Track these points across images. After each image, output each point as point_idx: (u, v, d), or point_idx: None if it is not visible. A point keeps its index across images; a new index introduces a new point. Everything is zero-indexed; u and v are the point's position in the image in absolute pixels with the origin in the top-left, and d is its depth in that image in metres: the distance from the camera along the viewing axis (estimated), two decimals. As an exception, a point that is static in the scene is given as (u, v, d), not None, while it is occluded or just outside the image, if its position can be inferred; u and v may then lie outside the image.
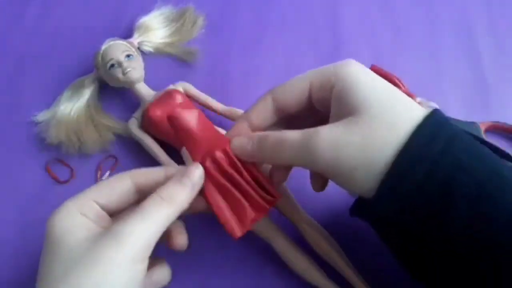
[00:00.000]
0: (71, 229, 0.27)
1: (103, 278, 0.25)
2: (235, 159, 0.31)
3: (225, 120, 0.43)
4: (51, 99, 0.45)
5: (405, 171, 0.26)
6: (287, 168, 0.33)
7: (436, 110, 0.28)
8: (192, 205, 0.30)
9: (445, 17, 0.52)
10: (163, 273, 0.32)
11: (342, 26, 0.51)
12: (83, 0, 0.53)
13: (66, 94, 0.45)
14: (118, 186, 0.30)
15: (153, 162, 0.42)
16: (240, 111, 0.42)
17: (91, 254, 0.26)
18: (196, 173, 0.30)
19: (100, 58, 0.44)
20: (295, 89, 0.31)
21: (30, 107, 0.45)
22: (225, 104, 0.44)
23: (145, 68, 0.45)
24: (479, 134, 0.43)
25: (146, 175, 0.30)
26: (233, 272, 0.39)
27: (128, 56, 0.43)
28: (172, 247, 0.31)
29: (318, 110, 0.31)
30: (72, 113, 0.44)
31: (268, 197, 0.32)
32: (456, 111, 0.45)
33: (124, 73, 0.43)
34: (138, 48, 0.47)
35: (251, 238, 0.38)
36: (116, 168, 0.43)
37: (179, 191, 0.29)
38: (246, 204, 0.31)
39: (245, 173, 0.31)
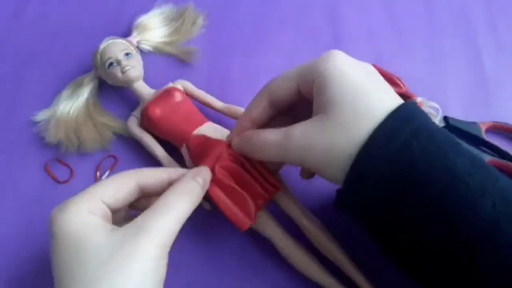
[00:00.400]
0: (87, 229, 0.27)
1: (140, 274, 0.25)
2: (238, 156, 0.35)
3: (224, 118, 0.43)
4: (50, 99, 0.45)
5: (363, 172, 0.27)
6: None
7: (404, 103, 0.29)
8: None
9: (445, 17, 0.52)
10: None
11: (342, 26, 0.51)
12: (83, -1, 0.53)
13: (65, 93, 0.45)
14: (123, 186, 0.30)
15: (152, 160, 0.42)
16: (239, 109, 0.42)
17: (123, 251, 0.26)
18: (207, 173, 0.33)
19: (99, 57, 0.44)
20: (285, 84, 0.33)
21: (29, 107, 0.45)
22: (224, 103, 0.44)
23: (144, 67, 0.45)
24: (479, 134, 0.43)
25: (150, 176, 0.31)
26: (233, 269, 0.38)
27: (127, 54, 0.43)
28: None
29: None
30: (71, 112, 0.44)
31: (269, 187, 0.35)
32: (456, 111, 0.45)
33: (123, 72, 0.42)
34: (137, 47, 0.47)
35: (251, 234, 0.38)
36: (115, 167, 0.43)
37: (195, 187, 0.31)
38: (248, 198, 0.34)
39: (248, 166, 0.35)
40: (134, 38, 0.47)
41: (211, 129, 0.40)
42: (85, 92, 0.45)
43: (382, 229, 0.30)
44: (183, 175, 0.31)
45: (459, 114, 0.44)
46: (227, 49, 0.50)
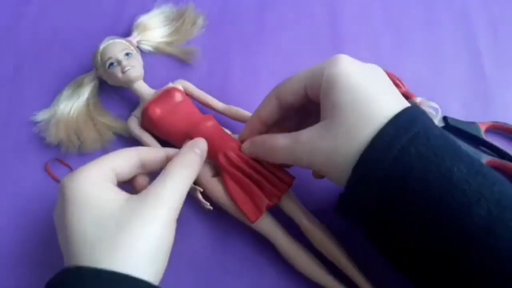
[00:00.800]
0: (104, 194, 0.29)
1: (157, 235, 0.28)
2: (246, 156, 0.37)
3: (224, 118, 0.43)
4: (50, 99, 0.45)
5: (363, 176, 0.28)
6: None
7: (407, 108, 0.29)
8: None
9: (445, 17, 0.52)
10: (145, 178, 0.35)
11: (342, 26, 0.51)
12: (83, -1, 0.53)
13: (65, 93, 0.45)
14: (129, 159, 0.33)
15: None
16: (239, 110, 0.42)
17: (140, 216, 0.28)
18: (203, 143, 0.36)
19: (99, 57, 0.44)
20: (293, 87, 0.34)
21: (29, 107, 0.45)
22: (225, 103, 0.44)
23: (144, 67, 0.45)
24: (479, 134, 0.43)
25: (150, 153, 0.34)
26: (234, 269, 0.39)
27: (127, 54, 0.43)
28: (135, 187, 0.34)
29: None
30: (71, 112, 0.44)
31: (281, 184, 0.36)
32: (456, 111, 0.45)
33: (123, 72, 0.42)
34: (137, 47, 0.47)
35: (251, 235, 0.39)
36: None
37: (193, 156, 0.34)
38: (259, 192, 0.36)
39: (256, 166, 0.37)
40: (134, 38, 0.47)
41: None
42: (86, 92, 0.45)
43: (381, 232, 0.30)
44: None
45: (458, 114, 0.44)
46: (227, 49, 0.50)
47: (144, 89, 0.43)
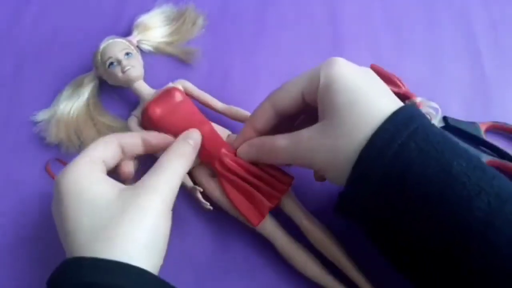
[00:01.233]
0: (98, 186, 0.30)
1: (152, 225, 0.29)
2: (242, 160, 0.37)
3: (224, 118, 0.43)
4: (50, 99, 0.45)
5: (362, 174, 0.28)
6: None
7: (404, 106, 0.30)
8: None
9: (445, 17, 0.52)
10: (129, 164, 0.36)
11: (342, 26, 0.51)
12: (83, -1, 0.53)
13: (65, 92, 0.45)
14: (112, 147, 0.33)
15: (152, 160, 0.42)
16: (239, 110, 0.42)
17: (135, 206, 0.29)
18: (196, 134, 0.37)
19: (99, 57, 0.44)
20: (289, 93, 0.34)
21: (29, 107, 0.45)
22: (225, 103, 0.43)
23: (144, 67, 0.45)
24: (479, 134, 0.43)
25: (127, 138, 0.35)
26: (234, 269, 0.39)
27: (127, 54, 0.43)
28: (121, 175, 0.35)
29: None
30: (71, 112, 0.44)
31: (280, 185, 0.37)
32: (456, 111, 0.45)
33: (123, 71, 0.42)
34: (137, 46, 0.47)
35: (251, 235, 0.39)
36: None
37: (187, 147, 0.35)
38: (259, 195, 0.36)
39: (253, 170, 0.37)
40: (135, 37, 0.47)
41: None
42: (86, 92, 0.45)
43: (382, 230, 0.30)
44: (162, 141, 0.36)
45: (458, 114, 0.44)
46: (227, 49, 0.50)
47: (144, 88, 0.43)
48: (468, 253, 0.26)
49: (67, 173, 0.30)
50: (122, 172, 0.35)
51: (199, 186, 0.38)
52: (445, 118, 0.44)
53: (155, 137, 0.36)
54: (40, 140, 0.44)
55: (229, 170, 0.37)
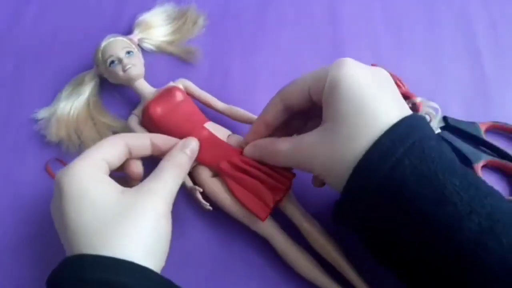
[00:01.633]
0: (100, 187, 0.30)
1: (153, 226, 0.29)
2: (247, 159, 0.38)
3: (225, 118, 0.43)
4: (51, 98, 0.45)
5: (358, 185, 0.28)
6: None
7: (407, 117, 0.29)
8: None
9: (445, 17, 0.52)
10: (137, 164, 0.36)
11: (342, 26, 0.51)
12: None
13: (66, 91, 0.45)
14: (117, 146, 0.33)
15: (152, 160, 0.42)
16: (240, 110, 0.42)
17: (136, 208, 0.29)
18: (193, 143, 0.37)
19: (100, 55, 0.43)
20: (297, 90, 0.34)
21: (29, 106, 0.45)
22: (225, 103, 0.43)
23: (145, 66, 0.45)
24: (479, 134, 0.43)
25: (136, 140, 0.35)
26: (233, 270, 0.39)
27: (128, 52, 0.43)
28: (130, 175, 0.35)
29: None
30: (72, 110, 0.44)
31: (283, 179, 0.37)
32: (456, 111, 0.45)
33: (124, 70, 0.42)
34: (138, 45, 0.47)
35: (251, 236, 0.39)
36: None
37: (183, 157, 0.35)
38: (265, 189, 0.36)
39: (258, 165, 0.37)
40: (136, 36, 0.47)
41: (212, 129, 0.40)
42: (86, 91, 0.45)
43: (377, 242, 0.30)
44: (171, 146, 0.36)
45: (458, 114, 0.44)
46: (228, 48, 0.50)
47: (145, 87, 0.43)
48: (462, 271, 0.26)
49: (68, 172, 0.30)
50: (131, 172, 0.35)
51: (199, 186, 0.38)
52: (445, 118, 0.44)
53: (164, 142, 0.36)
54: (40, 140, 0.44)
55: (237, 168, 0.37)
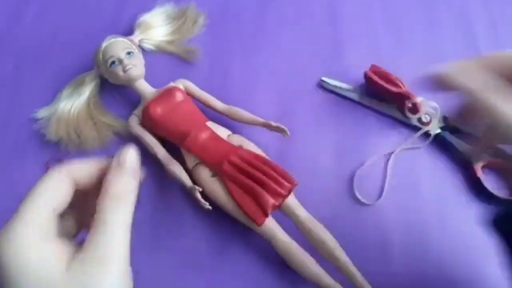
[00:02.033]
0: (37, 256, 0.24)
1: None
2: (250, 158, 0.38)
3: (225, 119, 0.43)
4: (51, 98, 0.45)
5: None
6: None
7: None
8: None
9: (445, 17, 0.51)
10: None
11: (342, 26, 0.51)
12: (84, -2, 0.53)
13: (66, 91, 0.45)
14: (62, 187, 0.27)
15: (152, 160, 0.42)
16: (239, 110, 0.42)
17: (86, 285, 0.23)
18: (130, 154, 0.27)
19: (100, 55, 0.44)
20: None
21: (29, 106, 0.45)
22: (225, 103, 0.43)
23: (146, 66, 0.45)
24: (479, 134, 0.43)
25: (81, 170, 0.27)
26: (233, 269, 0.39)
27: (128, 53, 0.43)
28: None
29: None
30: (72, 110, 0.44)
31: (285, 184, 0.37)
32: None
33: (124, 71, 0.42)
34: (139, 45, 0.47)
35: (251, 235, 0.39)
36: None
37: (125, 181, 0.26)
38: (264, 193, 0.36)
39: (261, 166, 0.37)
40: (136, 36, 0.47)
41: (212, 128, 0.41)
42: (87, 91, 0.45)
43: None
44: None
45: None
46: (227, 48, 0.50)
47: (145, 88, 0.43)
48: None
49: (7, 240, 0.24)
50: None
51: (198, 185, 0.38)
52: (445, 118, 0.44)
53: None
54: (41, 140, 0.44)
55: (237, 168, 0.37)
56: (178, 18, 0.50)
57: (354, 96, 0.46)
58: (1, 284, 0.24)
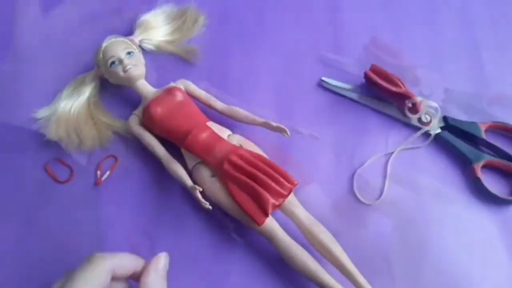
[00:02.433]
0: None
1: None
2: (250, 158, 0.38)
3: (225, 119, 0.43)
4: (51, 97, 0.45)
5: None
6: None
7: None
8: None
9: (445, 15, 0.51)
10: None
11: (342, 25, 0.51)
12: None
13: (66, 91, 0.45)
14: (103, 276, 0.28)
15: (153, 160, 0.42)
16: (240, 110, 0.42)
17: None
18: (163, 258, 0.30)
19: (101, 55, 0.44)
20: None
21: (29, 106, 0.45)
22: (225, 103, 0.43)
23: (146, 66, 0.45)
24: (479, 134, 0.43)
25: (124, 266, 0.29)
26: (234, 268, 0.39)
27: (129, 53, 0.43)
28: None
29: None
30: (72, 110, 0.44)
31: (286, 184, 0.37)
32: (457, 111, 0.45)
33: (124, 70, 0.42)
34: (139, 45, 0.47)
35: (251, 235, 0.39)
36: (116, 167, 0.43)
37: (159, 281, 0.29)
38: (265, 193, 0.36)
39: (261, 166, 0.37)
40: (136, 36, 0.47)
41: (213, 129, 0.41)
42: (87, 91, 0.45)
43: None
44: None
45: (459, 114, 0.44)
46: (228, 48, 0.49)
47: (145, 87, 0.43)
48: None
49: None
50: None
51: (199, 185, 0.38)
52: (445, 118, 0.44)
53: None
54: (40, 140, 0.43)
55: (236, 167, 0.37)
56: (178, 18, 0.50)
57: (354, 96, 0.46)
58: None
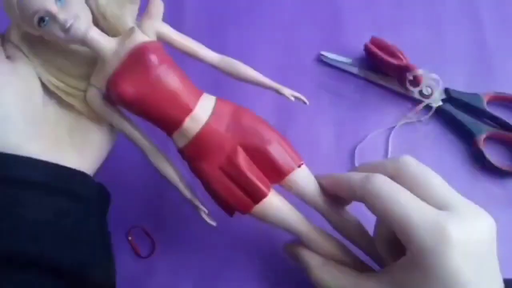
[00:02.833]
0: None
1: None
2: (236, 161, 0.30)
3: (224, 85, 0.37)
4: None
5: None
6: None
7: None
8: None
9: (446, 10, 0.49)
10: None
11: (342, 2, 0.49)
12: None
13: None
14: None
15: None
16: (240, 64, 0.32)
17: None
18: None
19: (17, 11, 0.27)
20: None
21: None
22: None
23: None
24: (481, 105, 0.42)
25: None
26: (237, 261, 0.38)
27: (59, 0, 0.27)
28: None
29: None
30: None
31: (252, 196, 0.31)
32: (458, 82, 0.44)
33: (64, 30, 0.28)
34: None
35: (251, 232, 0.39)
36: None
37: None
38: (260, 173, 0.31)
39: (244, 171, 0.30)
40: None
41: (209, 110, 0.30)
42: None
43: None
44: None
45: (461, 85, 0.44)
46: (223, 22, 0.47)
47: (100, 42, 0.29)
48: None
49: None
50: None
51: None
52: (446, 90, 0.43)
53: None
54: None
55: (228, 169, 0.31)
56: None
57: (354, 69, 0.45)
58: None
